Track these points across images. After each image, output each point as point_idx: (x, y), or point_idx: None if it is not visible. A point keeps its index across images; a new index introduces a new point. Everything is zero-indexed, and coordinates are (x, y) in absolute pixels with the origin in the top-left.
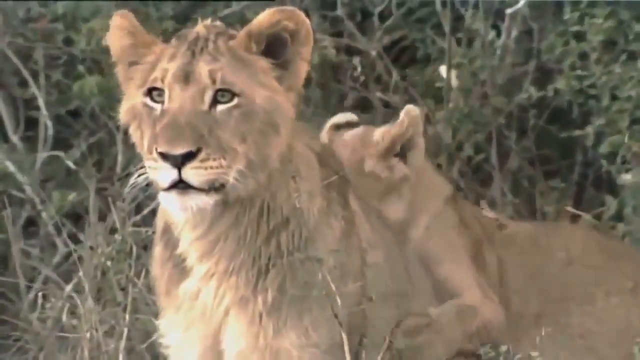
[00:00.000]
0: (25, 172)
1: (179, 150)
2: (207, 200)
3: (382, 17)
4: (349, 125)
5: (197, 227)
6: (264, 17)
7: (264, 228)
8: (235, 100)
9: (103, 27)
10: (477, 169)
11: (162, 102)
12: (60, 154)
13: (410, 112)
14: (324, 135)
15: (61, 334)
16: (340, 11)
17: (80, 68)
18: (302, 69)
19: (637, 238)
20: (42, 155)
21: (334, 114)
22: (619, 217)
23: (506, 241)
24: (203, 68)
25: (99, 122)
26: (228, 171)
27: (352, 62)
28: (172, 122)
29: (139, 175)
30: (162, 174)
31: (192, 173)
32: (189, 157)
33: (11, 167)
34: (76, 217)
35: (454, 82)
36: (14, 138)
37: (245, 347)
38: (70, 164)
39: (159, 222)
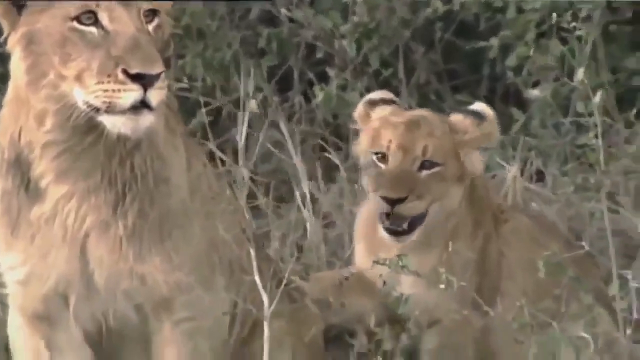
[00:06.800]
0: None
1: (156, 70)
2: (153, 120)
3: None
4: (384, 101)
5: (59, 145)
6: None
7: (119, 150)
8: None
9: None
10: (384, 83)
11: (97, 26)
12: None
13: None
14: (360, 109)
15: None
16: None
17: None
18: None
19: (543, 151)
20: None
21: None
22: (526, 130)
23: (509, 234)
24: None
25: None
26: None
27: None
28: (138, 43)
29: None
30: (129, 95)
31: (157, 93)
32: (157, 77)
33: None
34: None
35: None
36: None
37: (112, 273)
38: None
39: (10, 154)
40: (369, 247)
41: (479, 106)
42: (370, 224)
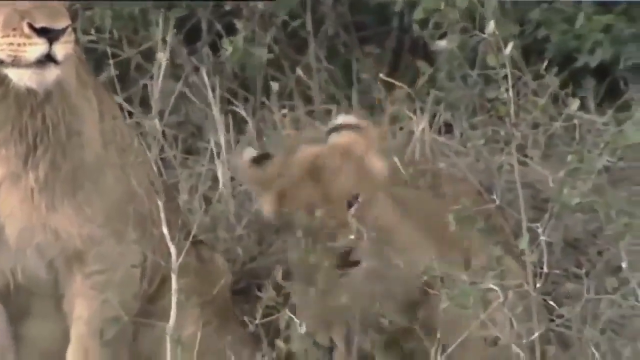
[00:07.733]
0: None
1: (62, 24)
2: (59, 74)
3: None
4: (264, 157)
5: None
6: None
7: (30, 102)
8: None
9: None
10: (292, 35)
11: None
12: None
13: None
14: (251, 174)
15: None
16: None
17: None
18: None
19: (450, 103)
20: None
21: None
22: (433, 83)
23: None
24: None
25: None
26: None
27: None
28: None
29: None
30: (35, 49)
31: (63, 47)
32: (63, 31)
33: None
34: None
35: None
36: None
37: (24, 227)
38: None
39: None
40: None
41: (345, 119)
42: None
